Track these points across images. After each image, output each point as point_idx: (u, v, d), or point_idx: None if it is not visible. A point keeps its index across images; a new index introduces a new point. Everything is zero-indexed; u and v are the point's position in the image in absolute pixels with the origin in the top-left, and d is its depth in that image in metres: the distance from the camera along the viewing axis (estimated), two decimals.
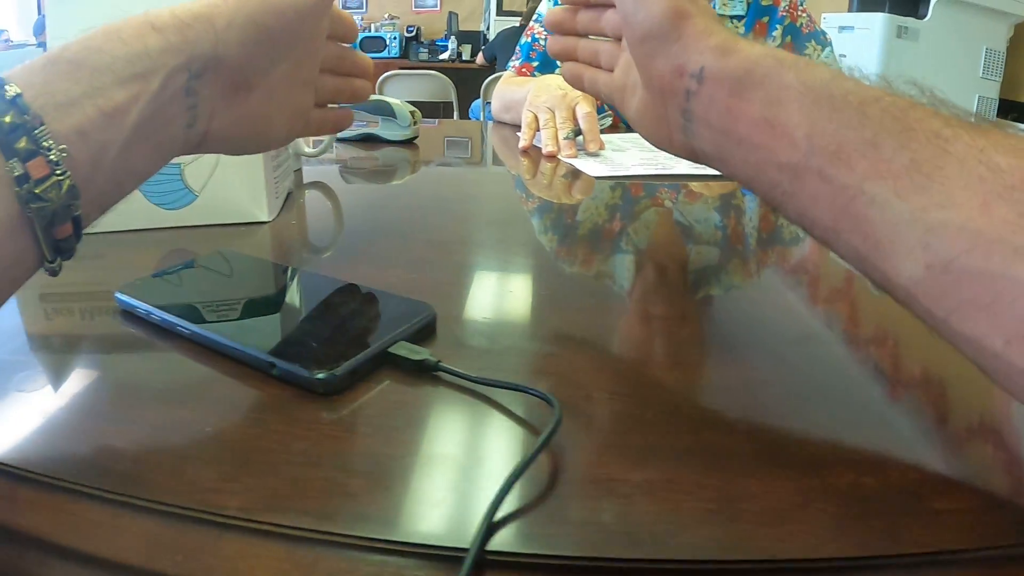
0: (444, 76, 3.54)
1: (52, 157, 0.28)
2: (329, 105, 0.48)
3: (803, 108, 0.32)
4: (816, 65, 0.33)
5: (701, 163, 0.39)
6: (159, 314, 0.37)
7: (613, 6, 0.43)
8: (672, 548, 0.24)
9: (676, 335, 0.40)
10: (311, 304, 0.40)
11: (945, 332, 0.28)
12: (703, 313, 0.44)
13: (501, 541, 0.24)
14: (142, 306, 0.38)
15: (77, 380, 0.33)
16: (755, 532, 0.25)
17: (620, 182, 0.79)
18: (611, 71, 0.47)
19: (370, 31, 4.98)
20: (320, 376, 0.31)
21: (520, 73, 1.27)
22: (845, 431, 0.31)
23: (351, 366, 0.32)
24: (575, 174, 0.80)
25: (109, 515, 0.25)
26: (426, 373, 0.33)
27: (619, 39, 0.45)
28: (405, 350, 0.34)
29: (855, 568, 0.24)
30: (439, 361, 0.33)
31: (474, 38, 4.93)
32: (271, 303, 0.41)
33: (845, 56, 2.11)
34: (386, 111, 0.94)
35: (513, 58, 1.31)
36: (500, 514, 0.25)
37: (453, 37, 4.95)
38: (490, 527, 0.24)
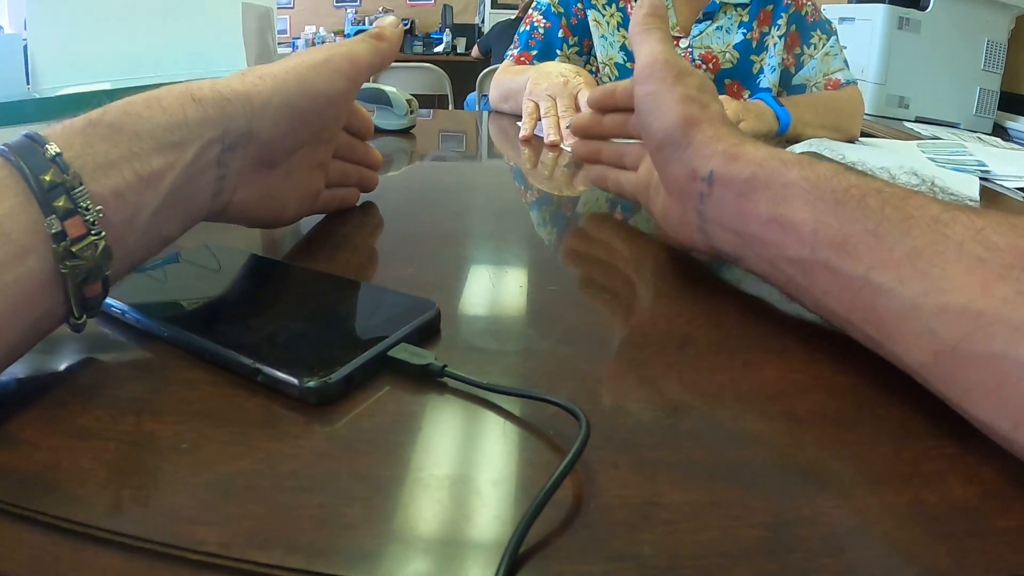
0: (439, 69, 3.50)
1: (89, 218, 0.28)
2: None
3: (808, 204, 0.33)
4: (817, 162, 0.35)
5: (724, 260, 0.41)
6: (134, 314, 0.34)
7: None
8: None
9: (705, 333, 0.37)
10: (302, 302, 0.36)
11: (962, 413, 0.28)
12: (735, 307, 0.40)
13: None
14: (117, 305, 0.34)
15: (37, 389, 0.30)
16: (815, 564, 0.22)
17: None
18: (635, 170, 0.51)
19: (365, 24, 4.94)
20: (311, 384, 0.28)
21: (519, 62, 1.24)
22: (898, 441, 0.28)
23: (346, 372, 0.29)
24: (578, 164, 0.77)
25: (69, 549, 0.22)
26: (430, 379, 0.30)
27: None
28: (406, 353, 0.30)
29: None
30: (445, 366, 0.29)
31: (469, 31, 4.90)
32: (258, 302, 0.37)
33: (847, 47, 2.08)
34: (382, 99, 0.90)
35: (512, 47, 1.28)
36: (524, 547, 0.21)
37: (448, 30, 4.92)
38: (513, 565, 0.20)
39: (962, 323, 0.26)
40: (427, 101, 3.30)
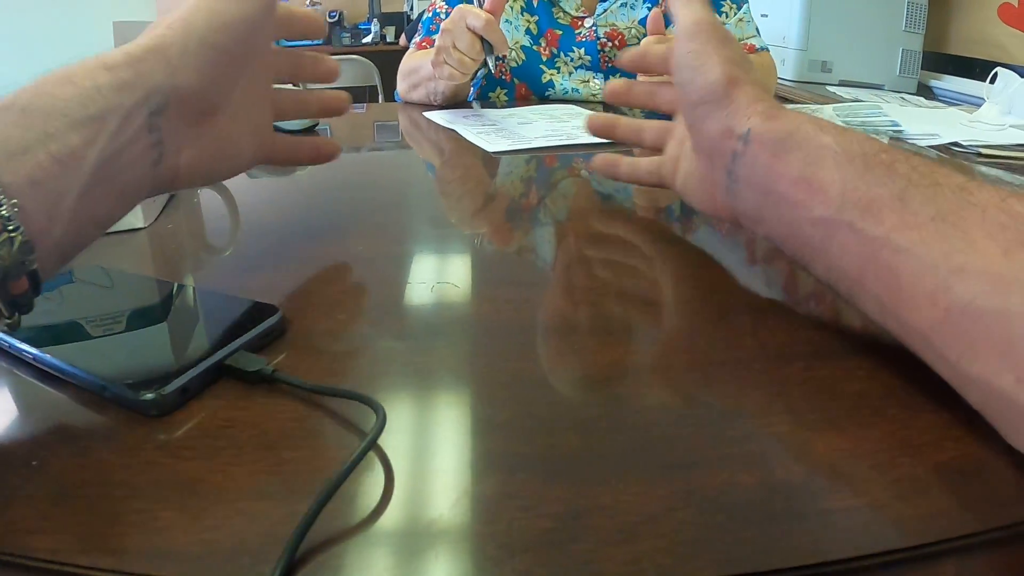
0: (368, 60, 3.47)
1: (3, 212, 0.27)
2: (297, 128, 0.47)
3: (838, 166, 0.34)
4: (851, 130, 0.36)
5: (740, 223, 0.42)
6: (2, 337, 0.35)
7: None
8: None
9: (532, 316, 0.39)
10: (157, 315, 0.38)
11: (955, 376, 0.29)
12: (570, 298, 0.42)
13: None
14: None
15: None
16: (598, 553, 0.23)
17: (535, 155, 0.78)
18: (655, 150, 0.53)
19: None
20: (147, 397, 0.30)
21: (420, 48, 1.24)
22: (725, 420, 0.30)
23: (181, 383, 0.30)
24: (485, 155, 0.78)
25: None
26: (264, 384, 0.32)
27: (670, 115, 0.52)
28: (242, 360, 0.32)
29: None
30: (275, 370, 0.31)
31: (398, 19, 4.85)
32: (117, 318, 0.38)
33: (767, 16, 2.12)
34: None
35: (416, 35, 1.28)
36: (312, 543, 0.23)
37: (376, 20, 4.86)
38: (291, 564, 0.22)
39: (979, 282, 0.27)
40: (359, 93, 3.28)
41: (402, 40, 4.34)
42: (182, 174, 0.37)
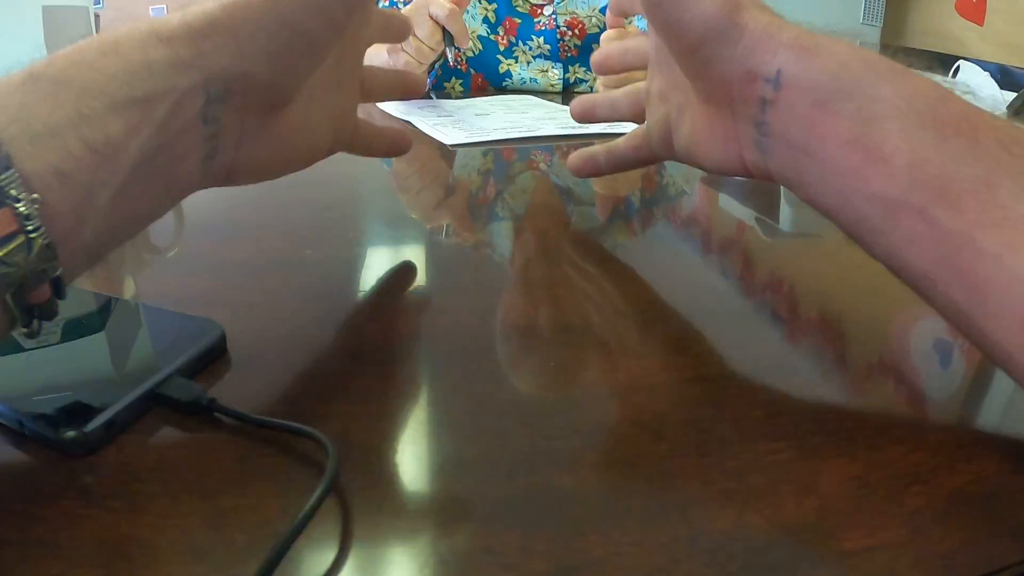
0: None
1: (21, 209, 0.22)
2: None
3: (904, 131, 0.27)
4: (916, 77, 0.28)
5: (780, 184, 0.34)
6: None
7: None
8: None
9: (495, 341, 0.36)
10: (80, 330, 0.33)
11: None
12: (547, 306, 0.39)
13: None
14: None
15: None
16: None
17: (492, 148, 0.75)
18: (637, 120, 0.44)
19: None
20: (69, 435, 0.26)
21: None
22: (725, 448, 0.26)
23: (106, 418, 0.26)
24: (442, 147, 0.75)
25: None
26: (201, 414, 0.28)
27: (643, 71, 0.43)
28: (176, 388, 0.28)
29: None
30: (213, 400, 0.28)
31: None
32: (46, 343, 0.34)
33: None
34: None
35: None
36: None
37: None
38: None
39: None
40: None
41: None
42: (239, 170, 0.32)
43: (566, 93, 1.22)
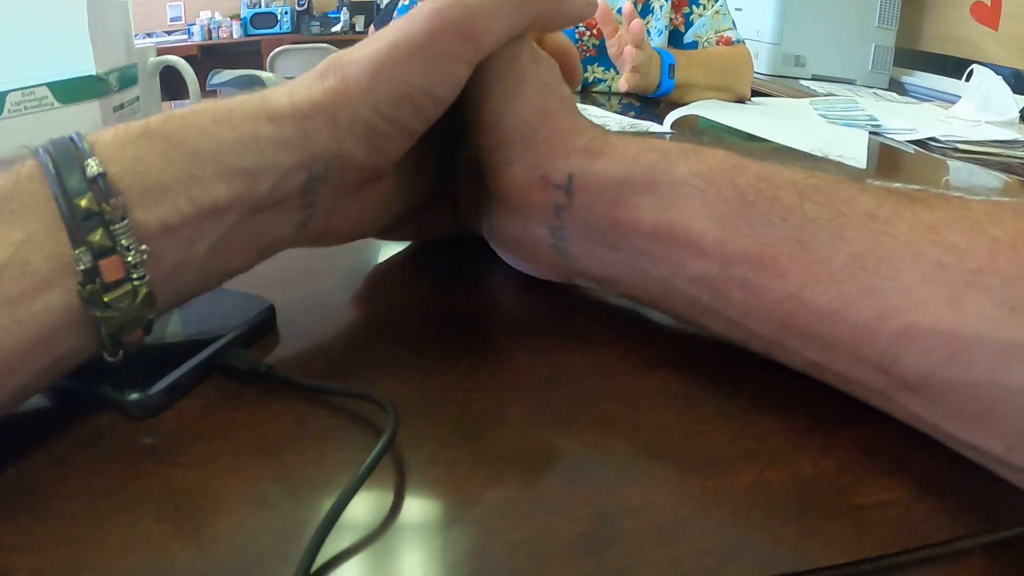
0: (336, 49, 3.43)
1: (131, 259, 0.24)
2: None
3: (707, 207, 0.27)
4: (706, 151, 0.29)
5: (592, 286, 0.34)
6: None
7: None
8: None
9: (542, 311, 0.37)
10: None
11: (939, 436, 0.24)
12: (561, 290, 0.41)
13: None
14: None
15: None
16: (637, 557, 0.21)
17: None
18: None
19: (261, 7, 4.79)
20: (132, 398, 0.28)
21: None
22: (745, 415, 0.28)
23: (168, 382, 0.28)
24: None
25: None
26: (258, 382, 0.30)
27: None
28: (233, 357, 0.30)
29: None
30: (270, 367, 0.30)
31: (367, 8, 4.79)
32: None
33: (741, 9, 2.13)
34: (257, 85, 0.88)
35: (386, 24, 1.26)
36: (326, 555, 0.21)
37: (345, 8, 4.80)
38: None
39: (933, 348, 0.22)
40: None
41: (371, 30, 4.28)
42: (331, 234, 0.33)
43: (584, 93, 1.23)
